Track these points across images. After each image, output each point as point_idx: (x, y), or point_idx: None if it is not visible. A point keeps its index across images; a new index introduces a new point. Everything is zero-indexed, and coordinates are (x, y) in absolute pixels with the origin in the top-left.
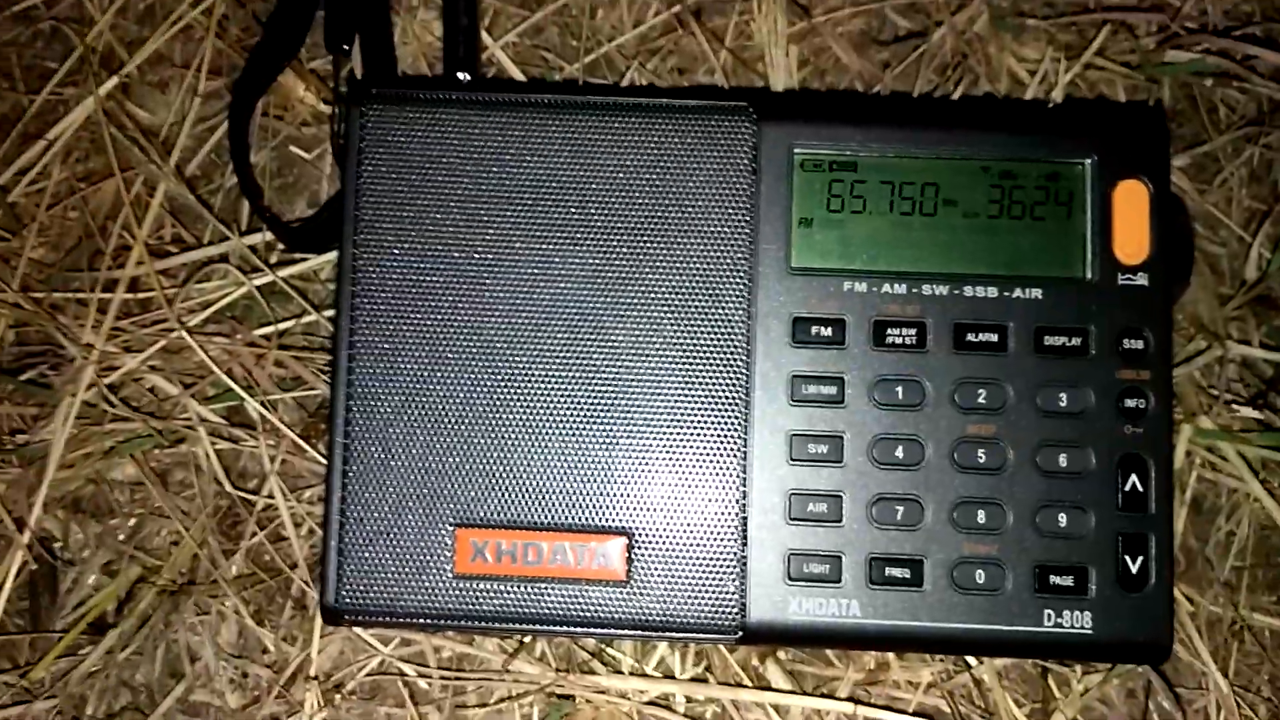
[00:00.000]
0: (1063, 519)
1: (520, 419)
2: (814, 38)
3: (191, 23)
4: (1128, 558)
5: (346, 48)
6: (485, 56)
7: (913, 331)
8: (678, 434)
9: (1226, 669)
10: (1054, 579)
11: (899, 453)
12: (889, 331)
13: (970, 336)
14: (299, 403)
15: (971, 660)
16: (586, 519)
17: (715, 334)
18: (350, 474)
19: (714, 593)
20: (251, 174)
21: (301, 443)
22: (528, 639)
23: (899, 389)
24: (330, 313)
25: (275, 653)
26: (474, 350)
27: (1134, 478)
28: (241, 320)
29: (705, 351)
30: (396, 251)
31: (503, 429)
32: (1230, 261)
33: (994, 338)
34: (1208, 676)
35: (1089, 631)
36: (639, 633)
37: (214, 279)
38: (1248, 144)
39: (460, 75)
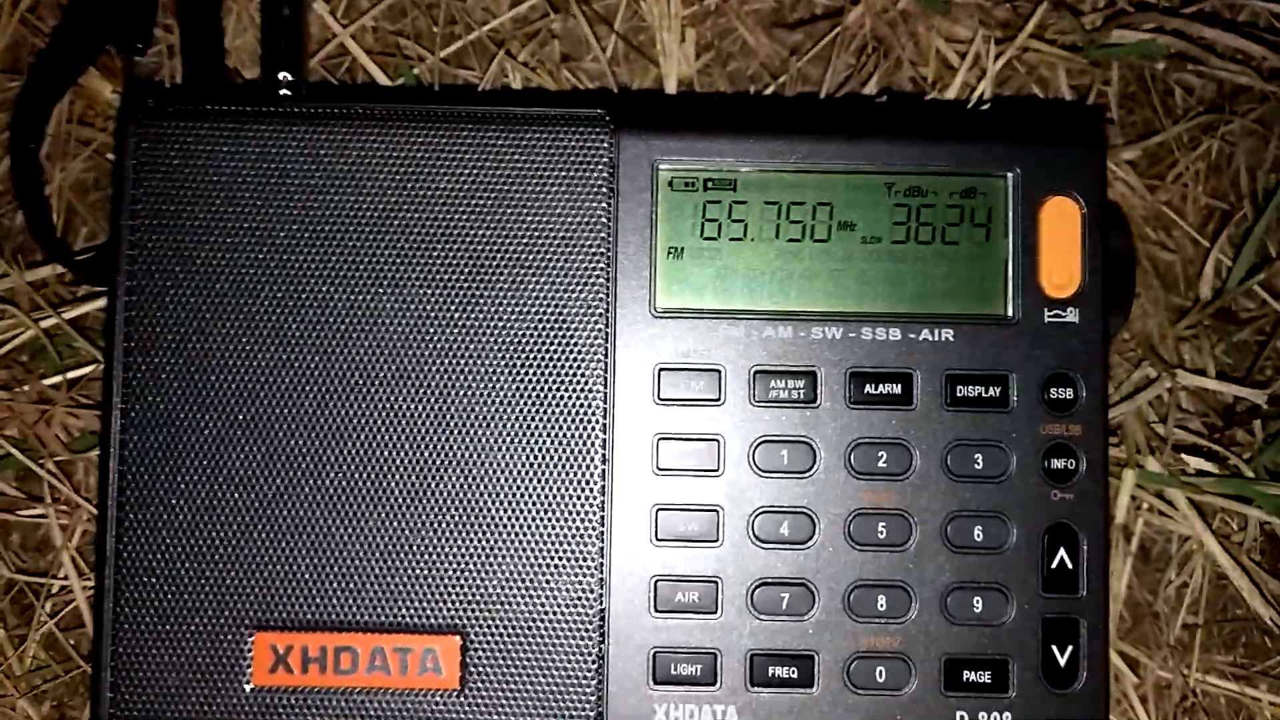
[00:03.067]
0: (978, 603)
1: (332, 496)
2: (719, 19)
3: None
4: (1054, 647)
5: (141, 46)
6: (333, 46)
7: (800, 383)
8: (522, 510)
9: None
10: (967, 674)
11: (784, 529)
12: (773, 384)
13: (869, 388)
14: None
15: None
16: (411, 616)
17: (566, 389)
18: (124, 565)
19: (566, 700)
20: (37, 193)
21: None
22: None
23: (784, 452)
24: None
25: None
26: (276, 414)
27: (1062, 552)
28: (31, 369)
29: (555, 411)
30: (180, 295)
31: (310, 509)
32: (1185, 268)
33: (897, 389)
34: None
35: None
36: None
37: (3, 319)
38: (1205, 134)
39: (282, 75)
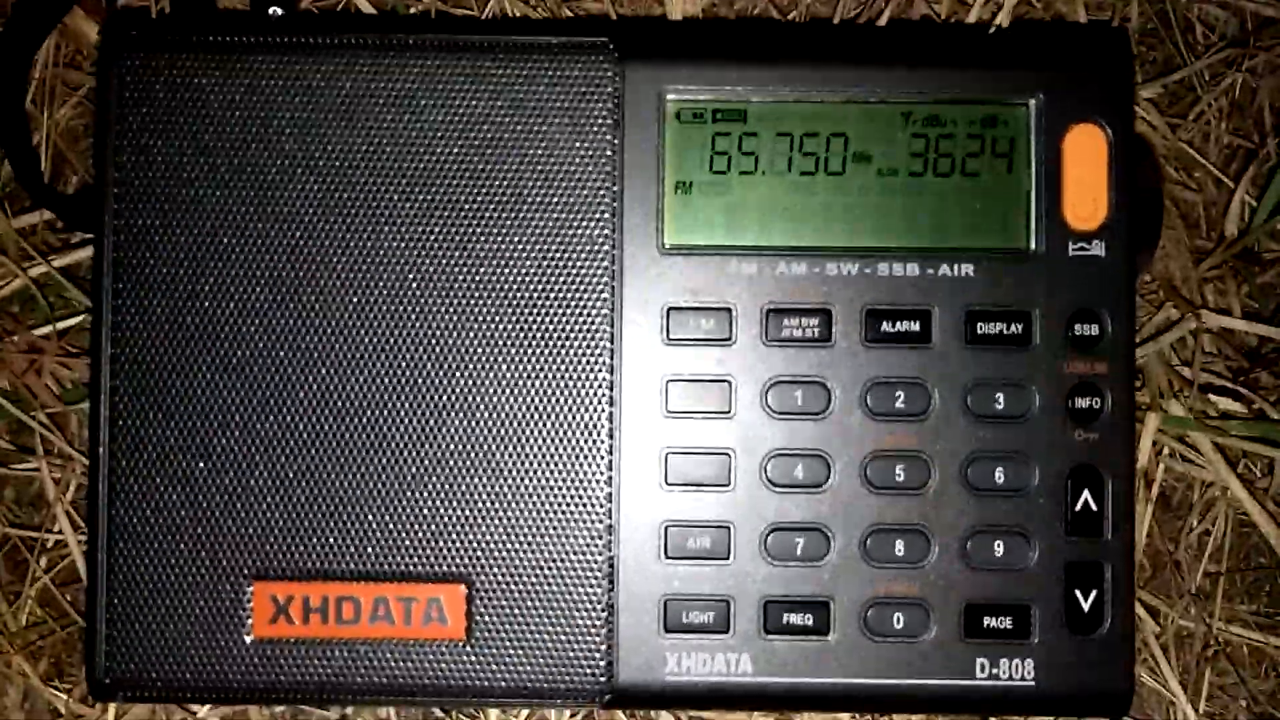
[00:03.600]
0: (999, 547)
1: (330, 442)
2: None
3: None
4: (1078, 592)
5: None
6: None
7: (815, 321)
8: (527, 455)
9: (1199, 695)
10: (988, 621)
11: (799, 472)
12: (785, 322)
13: (886, 325)
14: None
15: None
16: (415, 564)
17: (572, 331)
18: (117, 516)
19: (575, 650)
20: (23, 138)
21: None
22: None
23: (798, 393)
24: None
25: (69, 717)
26: (272, 359)
27: (1086, 494)
28: (22, 318)
29: (560, 353)
30: (171, 237)
31: (309, 455)
32: (1207, 209)
33: (915, 326)
34: (1176, 706)
35: (1031, 683)
36: (483, 700)
37: None
38: (1228, 69)
39: (272, 10)
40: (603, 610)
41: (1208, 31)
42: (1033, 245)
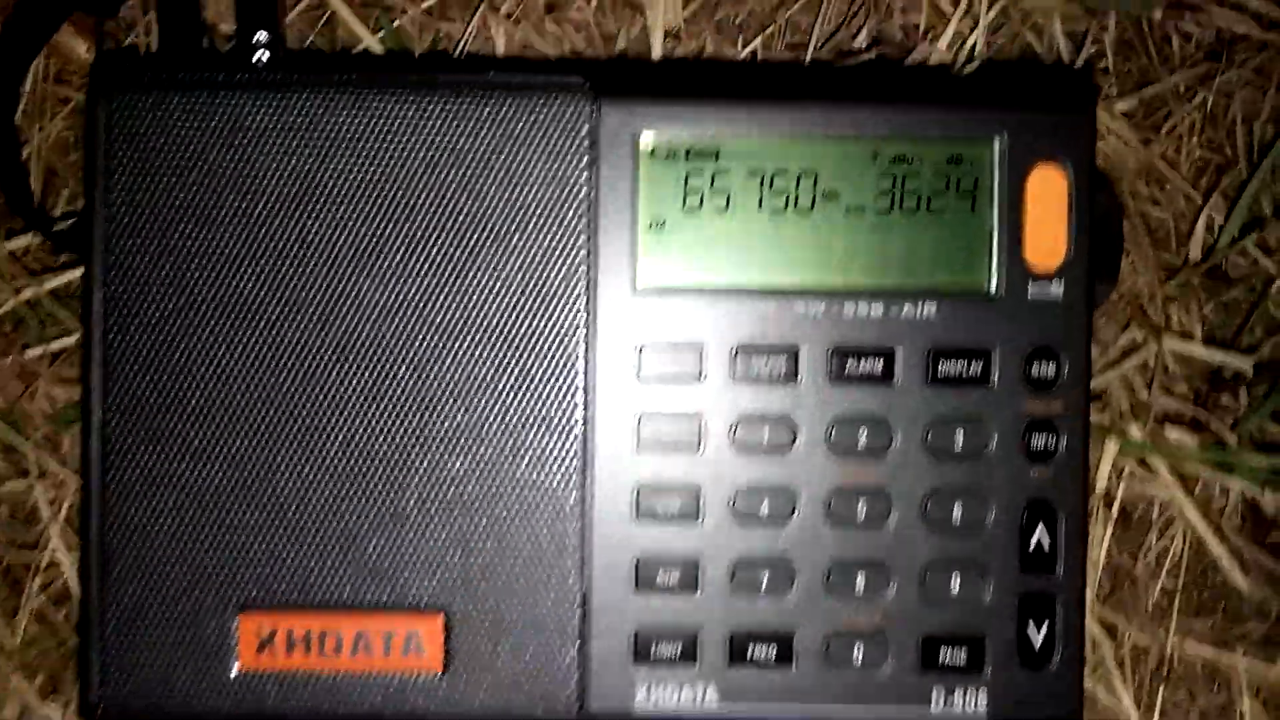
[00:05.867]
0: (955, 582)
1: (315, 476)
2: None
3: None
4: (1030, 626)
5: (111, 5)
6: (322, 8)
7: (782, 360)
8: (504, 490)
9: (1152, 710)
10: (944, 653)
11: (765, 507)
12: (754, 361)
13: (851, 364)
14: None
15: None
16: (395, 595)
17: (547, 368)
18: (109, 546)
19: (548, 680)
20: (14, 161)
21: None
22: None
23: (765, 430)
24: None
25: None
26: (258, 393)
27: (1040, 530)
28: (15, 338)
29: (535, 390)
30: (158, 267)
31: (294, 489)
32: (1176, 224)
33: (879, 365)
34: None
35: (984, 714)
36: None
37: None
38: (1201, 84)
39: (259, 35)
40: (575, 641)
41: (1184, 44)
42: (993, 286)
